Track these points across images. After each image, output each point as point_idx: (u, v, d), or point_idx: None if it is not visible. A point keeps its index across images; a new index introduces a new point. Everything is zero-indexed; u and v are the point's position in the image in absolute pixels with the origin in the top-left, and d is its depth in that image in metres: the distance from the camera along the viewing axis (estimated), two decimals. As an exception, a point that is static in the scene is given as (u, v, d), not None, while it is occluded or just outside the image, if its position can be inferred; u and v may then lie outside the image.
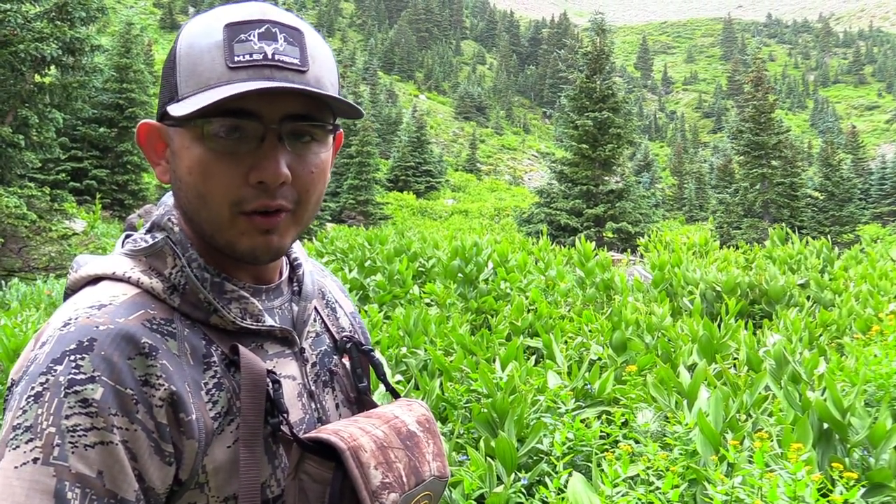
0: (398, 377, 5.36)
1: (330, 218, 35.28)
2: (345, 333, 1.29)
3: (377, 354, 1.29)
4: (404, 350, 6.10)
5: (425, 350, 6.01)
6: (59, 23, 16.91)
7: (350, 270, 9.93)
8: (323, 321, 1.27)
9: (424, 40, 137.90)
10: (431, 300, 8.48)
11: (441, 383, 5.07)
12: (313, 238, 16.27)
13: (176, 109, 1.00)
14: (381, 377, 1.26)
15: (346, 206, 39.21)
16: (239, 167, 1.01)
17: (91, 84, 18.17)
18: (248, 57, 0.99)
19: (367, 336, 1.37)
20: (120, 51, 29.08)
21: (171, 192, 1.14)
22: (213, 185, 1.02)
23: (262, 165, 1.00)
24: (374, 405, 1.22)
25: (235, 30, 1.01)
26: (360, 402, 1.23)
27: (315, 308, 1.25)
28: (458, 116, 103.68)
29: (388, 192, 49.62)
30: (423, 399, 4.75)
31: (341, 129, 1.15)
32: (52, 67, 17.23)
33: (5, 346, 6.13)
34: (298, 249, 1.27)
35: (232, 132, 1.00)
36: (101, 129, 26.59)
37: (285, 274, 1.21)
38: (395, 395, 1.27)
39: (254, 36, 1.01)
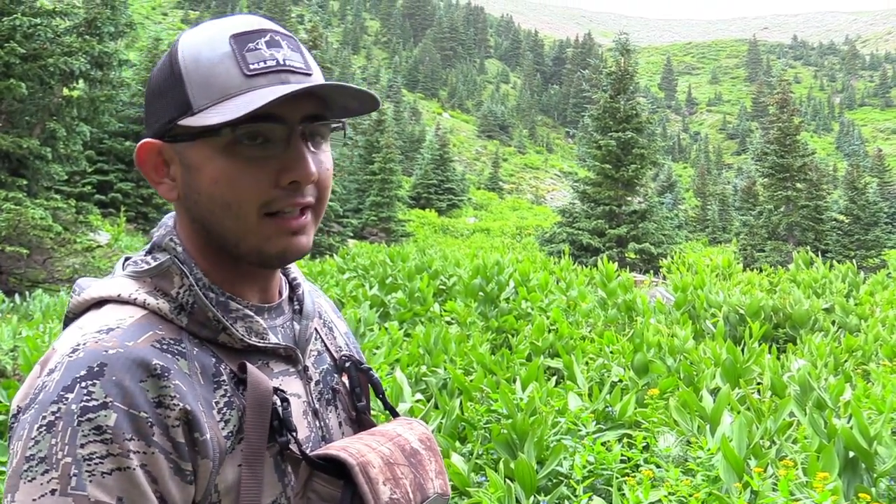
0: (418, 395, 5.34)
1: (352, 234, 35.32)
2: (343, 353, 1.29)
3: (375, 374, 1.29)
4: (424, 368, 6.08)
5: (445, 369, 5.99)
6: (87, 37, 17.12)
7: (371, 287, 9.94)
8: (322, 340, 1.27)
9: (449, 59, 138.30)
10: (452, 318, 8.46)
11: (461, 403, 5.04)
12: (335, 254, 16.30)
13: (200, 120, 1.01)
14: (381, 396, 1.26)
15: (368, 223, 39.27)
16: (266, 171, 1.03)
17: (118, 98, 18.38)
18: (262, 64, 1.02)
19: (362, 356, 1.36)
20: (147, 65, 29.46)
21: (171, 214, 1.14)
22: (242, 191, 1.02)
23: (294, 166, 1.03)
24: (373, 424, 1.22)
25: (243, 40, 1.03)
26: (359, 422, 1.24)
27: (315, 328, 1.25)
28: (481, 135, 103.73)
29: (410, 210, 49.67)
30: (443, 418, 4.72)
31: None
32: (81, 81, 17.41)
33: (27, 357, 6.16)
34: (296, 270, 1.28)
35: (256, 137, 1.02)
36: (127, 143, 26.80)
37: (285, 293, 1.22)
38: (395, 413, 1.27)
39: (262, 44, 1.04)
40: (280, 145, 1.03)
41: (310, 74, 1.06)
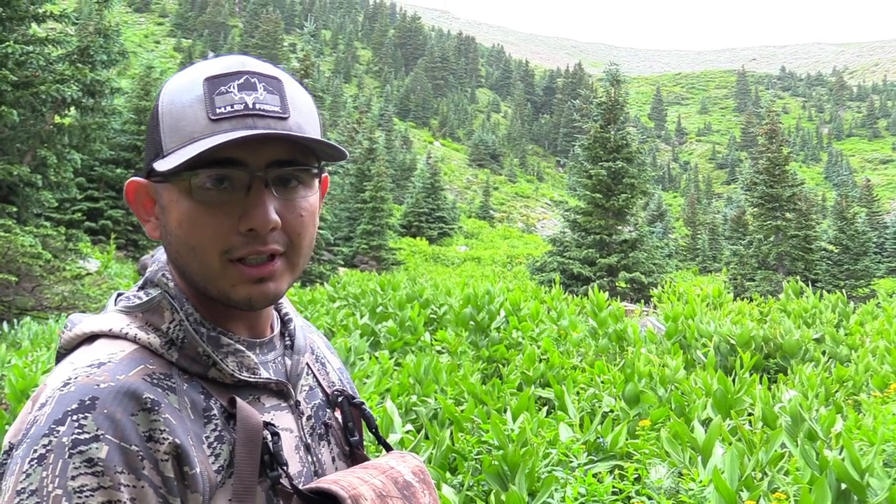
0: (408, 426, 5.30)
1: (342, 263, 35.28)
2: (336, 388, 1.29)
3: (368, 408, 1.29)
4: (415, 398, 6.04)
5: (436, 399, 5.95)
6: (80, 65, 17.14)
7: (362, 316, 9.90)
8: (314, 376, 1.27)
9: (440, 88, 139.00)
10: (443, 348, 8.43)
11: (451, 433, 5.01)
12: (325, 283, 16.27)
13: (162, 165, 1.02)
14: (374, 430, 1.26)
15: (359, 251, 39.24)
16: (228, 217, 1.02)
17: (109, 126, 18.37)
18: (229, 108, 1.02)
19: (356, 392, 1.37)
20: (139, 93, 29.46)
21: (163, 248, 1.15)
22: (203, 236, 1.02)
23: (251, 213, 1.02)
24: (367, 459, 1.22)
25: (215, 83, 1.03)
26: (352, 456, 1.23)
27: (307, 363, 1.25)
28: (472, 163, 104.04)
29: (401, 238, 49.66)
30: (433, 449, 4.69)
31: (327, 174, 1.16)
32: (72, 109, 17.41)
33: (14, 387, 6.11)
34: (288, 305, 1.28)
35: (219, 182, 1.02)
36: (118, 170, 26.80)
37: (277, 328, 1.22)
38: (388, 447, 1.27)
39: (234, 87, 1.03)
40: (242, 191, 1.03)
41: (284, 118, 1.04)
